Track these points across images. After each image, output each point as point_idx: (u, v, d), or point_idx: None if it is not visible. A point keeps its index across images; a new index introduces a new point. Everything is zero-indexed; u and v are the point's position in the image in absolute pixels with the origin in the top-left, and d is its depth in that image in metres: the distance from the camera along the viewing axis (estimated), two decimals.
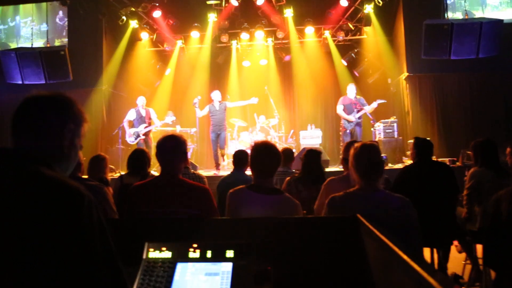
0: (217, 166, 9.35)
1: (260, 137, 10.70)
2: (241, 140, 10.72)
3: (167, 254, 1.92)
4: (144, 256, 1.91)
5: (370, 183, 2.50)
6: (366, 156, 2.51)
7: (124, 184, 4.46)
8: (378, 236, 1.69)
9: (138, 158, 4.62)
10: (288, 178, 4.37)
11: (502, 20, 7.69)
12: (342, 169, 4.10)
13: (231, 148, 10.49)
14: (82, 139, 1.55)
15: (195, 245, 1.92)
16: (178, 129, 10.87)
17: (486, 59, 8.03)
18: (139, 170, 4.57)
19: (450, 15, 10.09)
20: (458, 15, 10.22)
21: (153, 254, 1.93)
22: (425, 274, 1.18)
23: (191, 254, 1.91)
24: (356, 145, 2.60)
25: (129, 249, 1.80)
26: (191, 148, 11.38)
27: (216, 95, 9.57)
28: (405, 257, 1.35)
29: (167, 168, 2.81)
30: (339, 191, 2.65)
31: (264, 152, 2.81)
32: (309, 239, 2.09)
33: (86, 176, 4.49)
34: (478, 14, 10.39)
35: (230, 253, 1.89)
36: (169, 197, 2.68)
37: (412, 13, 10.30)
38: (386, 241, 1.58)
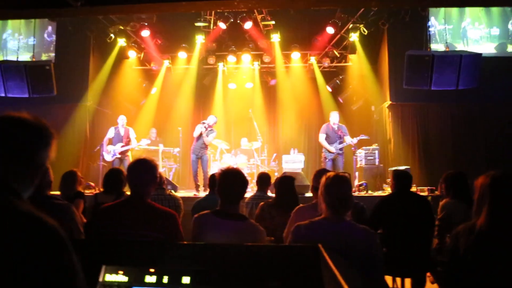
0: (197, 187, 9.31)
1: (242, 160, 10.70)
2: (223, 162, 10.72)
3: (123, 278, 1.90)
4: (100, 279, 1.89)
5: (337, 214, 2.52)
6: (336, 189, 2.53)
7: (98, 203, 4.48)
8: (331, 268, 1.70)
9: (113, 178, 4.62)
10: (262, 203, 4.36)
11: (481, 54, 7.86)
12: None
13: (213, 170, 10.47)
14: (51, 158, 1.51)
15: (152, 270, 1.91)
16: (161, 148, 10.82)
17: (466, 91, 8.18)
18: (114, 189, 4.57)
19: (433, 45, 10.31)
20: (441, 46, 10.44)
21: (109, 277, 1.90)
22: None
23: (148, 279, 1.89)
24: (328, 175, 2.62)
25: (87, 271, 1.79)
26: (173, 168, 11.35)
27: (212, 120, 9.54)
28: None
29: (136, 191, 2.83)
30: (307, 219, 2.66)
31: (230, 178, 2.83)
32: (269, 267, 2.09)
33: (58, 192, 4.47)
34: (459, 46, 10.64)
35: (186, 279, 1.87)
36: (135, 220, 2.68)
37: (396, 42, 10.49)
38: (337, 274, 1.59)
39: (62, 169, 4.76)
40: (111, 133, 9.51)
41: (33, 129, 1.38)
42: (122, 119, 9.64)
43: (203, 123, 9.41)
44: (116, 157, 9.36)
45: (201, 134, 9.33)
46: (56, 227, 1.22)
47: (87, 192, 8.13)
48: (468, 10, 10.87)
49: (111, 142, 9.52)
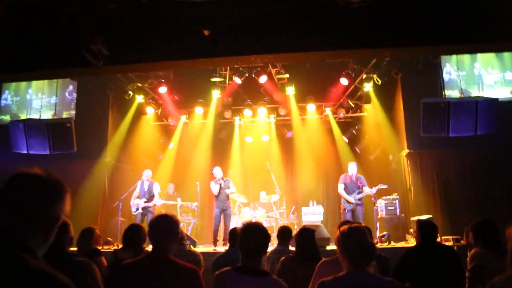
0: (215, 242, 9.25)
1: (261, 213, 10.60)
2: (242, 216, 10.63)
3: None
4: None
5: (359, 267, 2.44)
6: (353, 239, 2.46)
7: (117, 259, 4.42)
8: None
9: (133, 234, 4.58)
10: (283, 257, 4.27)
11: (497, 99, 7.82)
12: None
13: (232, 224, 10.38)
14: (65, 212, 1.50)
15: None
16: (179, 203, 10.81)
17: (485, 136, 8.06)
18: (133, 245, 4.53)
19: (447, 92, 10.31)
20: (455, 93, 10.45)
21: None
22: None
23: None
24: (343, 228, 2.56)
25: None
26: (192, 223, 11.27)
27: (218, 171, 9.76)
28: None
29: (158, 247, 2.81)
30: (331, 274, 2.58)
31: (251, 233, 2.79)
32: None
33: (75, 249, 4.45)
34: (474, 92, 10.59)
35: None
36: (157, 277, 2.64)
37: (410, 91, 10.49)
38: None
39: (81, 225, 4.77)
40: (137, 186, 9.75)
41: (44, 183, 1.39)
42: (146, 174, 9.87)
43: (216, 179, 9.67)
44: (139, 212, 9.47)
45: (220, 188, 9.46)
46: (68, 283, 1.21)
47: (106, 248, 8.08)
48: (479, 56, 10.93)
49: (138, 195, 9.72)
